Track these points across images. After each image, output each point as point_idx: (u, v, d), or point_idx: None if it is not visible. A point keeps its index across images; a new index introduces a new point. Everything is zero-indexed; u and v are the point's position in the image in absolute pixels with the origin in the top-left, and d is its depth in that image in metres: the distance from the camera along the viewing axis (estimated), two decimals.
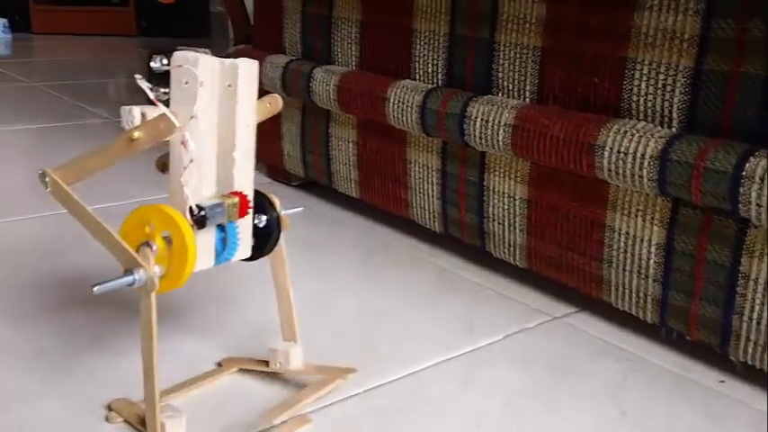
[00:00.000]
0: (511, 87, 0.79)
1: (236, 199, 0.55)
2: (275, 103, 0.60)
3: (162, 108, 0.52)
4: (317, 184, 1.14)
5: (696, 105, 0.63)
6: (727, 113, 0.61)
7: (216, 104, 0.54)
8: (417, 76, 0.89)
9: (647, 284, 0.70)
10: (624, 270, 0.72)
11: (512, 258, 0.84)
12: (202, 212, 0.52)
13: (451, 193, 0.88)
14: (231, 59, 0.55)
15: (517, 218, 0.81)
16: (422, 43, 0.88)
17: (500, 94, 0.80)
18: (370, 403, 0.61)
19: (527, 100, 0.77)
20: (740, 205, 0.58)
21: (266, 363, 0.64)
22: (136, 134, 0.52)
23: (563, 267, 0.78)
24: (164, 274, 0.52)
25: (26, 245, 0.91)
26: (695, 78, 0.63)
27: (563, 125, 0.71)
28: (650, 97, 0.66)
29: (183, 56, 0.52)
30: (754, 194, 0.57)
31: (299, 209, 0.65)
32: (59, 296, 0.76)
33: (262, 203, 0.60)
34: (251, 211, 0.57)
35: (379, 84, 0.91)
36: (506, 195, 0.82)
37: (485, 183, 0.84)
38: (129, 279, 0.51)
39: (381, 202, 0.99)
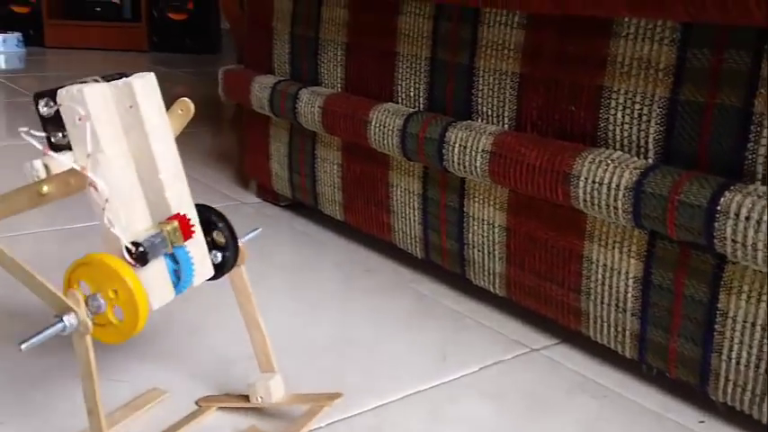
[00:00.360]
0: (490, 113, 0.77)
1: (175, 223, 0.52)
2: (186, 107, 0.56)
3: (64, 161, 0.48)
4: (305, 205, 1.12)
5: (672, 136, 0.61)
6: (703, 145, 0.59)
7: (121, 131, 0.50)
8: (400, 100, 0.88)
9: (626, 318, 0.67)
10: (602, 303, 0.69)
11: (491, 287, 0.81)
12: (141, 248, 0.48)
13: (432, 219, 0.86)
14: (125, 79, 0.52)
15: (496, 245, 0.79)
16: (404, 67, 0.86)
17: (479, 120, 0.78)
18: None
19: (505, 126, 0.75)
20: (716, 241, 0.56)
21: (246, 398, 0.61)
22: (45, 189, 0.48)
23: (541, 298, 0.75)
24: (120, 323, 0.49)
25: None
26: (671, 109, 0.61)
27: (539, 153, 0.69)
28: (626, 127, 0.64)
29: (66, 94, 0.48)
30: (729, 230, 0.55)
31: (257, 231, 0.62)
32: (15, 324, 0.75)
33: (208, 218, 0.56)
34: (196, 228, 0.54)
35: (362, 106, 0.89)
36: (486, 222, 0.80)
37: (465, 209, 0.82)
38: (58, 327, 0.47)
39: (365, 225, 0.98)
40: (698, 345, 0.62)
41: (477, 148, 0.74)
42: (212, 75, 2.78)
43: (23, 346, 0.46)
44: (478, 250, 0.81)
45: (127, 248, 0.48)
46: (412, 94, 0.86)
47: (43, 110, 0.49)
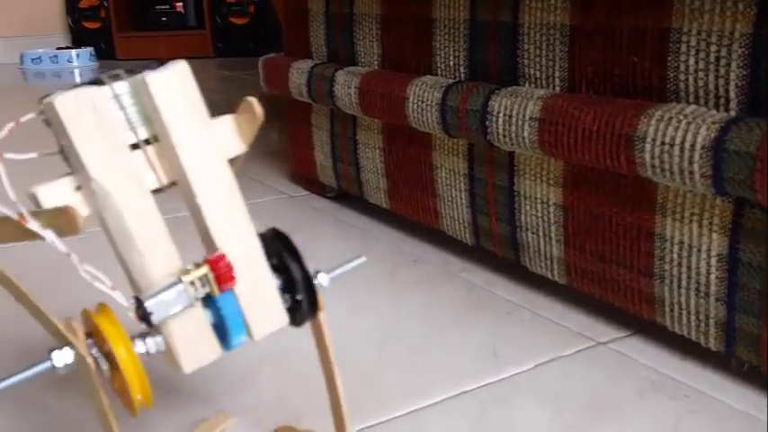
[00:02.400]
0: (538, 75, 0.66)
1: (204, 269, 0.38)
2: (249, 107, 0.42)
3: (66, 189, 0.36)
4: (352, 195, 1.04)
5: (758, 81, 0.49)
6: None
7: (121, 149, 0.37)
8: (439, 71, 0.78)
9: (708, 304, 0.56)
10: (680, 287, 0.58)
11: (549, 273, 0.71)
12: (141, 308, 0.36)
13: (481, 201, 0.76)
14: (141, 75, 0.39)
15: (552, 227, 0.68)
16: (442, 33, 0.77)
17: (526, 84, 0.68)
18: None
19: (556, 88, 0.65)
20: None
21: None
22: (34, 226, 0.36)
23: (607, 284, 0.64)
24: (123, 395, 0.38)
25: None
26: (755, 47, 0.49)
27: (596, 115, 0.58)
28: (701, 74, 0.53)
29: (45, 105, 0.36)
30: None
31: (362, 260, 0.48)
32: None
33: (279, 253, 0.42)
34: (254, 268, 0.41)
35: (399, 82, 0.80)
36: (539, 201, 0.69)
37: (515, 187, 0.71)
38: (45, 365, 0.36)
39: (411, 212, 0.88)
40: None
41: (523, 116, 0.64)
42: None
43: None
44: (533, 233, 0.71)
45: (128, 307, 0.37)
46: (451, 63, 0.76)
47: (46, 122, 0.37)
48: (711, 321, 0.56)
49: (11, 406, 0.56)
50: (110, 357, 0.36)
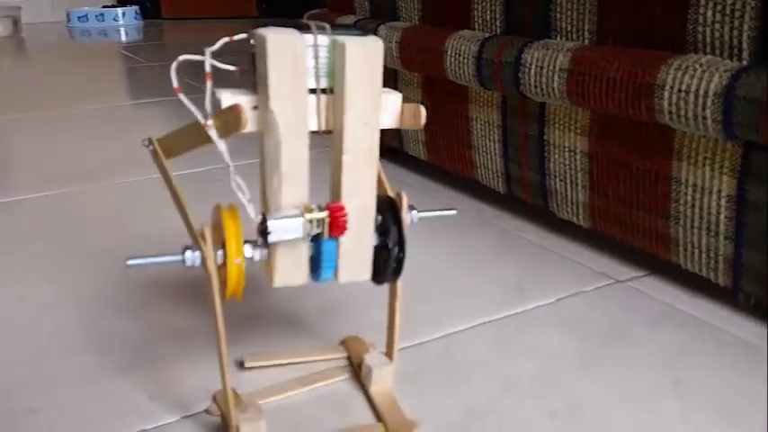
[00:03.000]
0: (569, 28, 0.71)
1: (323, 214, 0.44)
2: (419, 116, 0.48)
3: (247, 95, 0.44)
4: (392, 148, 1.11)
5: None
6: None
7: (303, 94, 0.43)
8: (477, 26, 0.84)
9: (718, 242, 0.61)
10: (693, 227, 0.63)
11: (575, 218, 0.77)
12: (264, 225, 0.43)
13: (513, 151, 0.82)
14: (343, 37, 0.43)
15: (579, 173, 0.74)
16: None
17: (558, 37, 0.73)
18: (398, 364, 0.58)
19: (586, 41, 0.70)
20: None
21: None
22: (209, 122, 0.45)
23: (628, 226, 0.70)
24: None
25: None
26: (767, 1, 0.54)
27: (620, 65, 0.63)
28: (717, 26, 0.57)
29: (256, 38, 0.43)
30: None
31: (452, 211, 0.55)
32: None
33: (386, 220, 0.48)
34: (363, 226, 0.47)
35: (438, 37, 0.86)
36: (567, 149, 0.75)
37: (545, 137, 0.77)
38: (176, 258, 0.45)
39: (448, 162, 0.95)
40: None
41: (554, 68, 0.70)
42: None
43: (130, 263, 0.44)
44: (560, 180, 0.77)
45: (257, 219, 0.45)
46: (488, 17, 0.82)
47: (251, 48, 0.44)
48: (720, 258, 0.61)
49: (129, 315, 0.65)
50: (223, 248, 0.45)
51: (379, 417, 0.51)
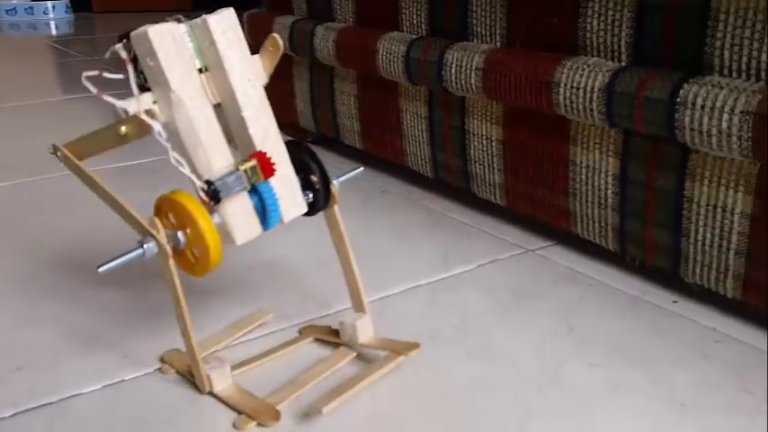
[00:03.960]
0: (483, 33, 0.82)
1: (253, 161, 0.51)
2: (275, 43, 0.54)
3: (143, 99, 0.50)
4: (329, 138, 1.20)
5: (641, 38, 0.66)
6: (668, 44, 0.64)
7: (192, 72, 0.51)
8: (405, 28, 0.94)
9: (607, 214, 0.73)
10: (587, 201, 0.75)
11: (493, 197, 0.88)
12: (212, 186, 0.49)
13: (439, 139, 0.93)
14: (202, 17, 0.51)
15: (495, 158, 0.85)
16: None
17: (474, 40, 0.84)
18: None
19: (497, 44, 0.81)
20: (677, 131, 0.62)
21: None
22: (123, 129, 0.51)
23: (536, 203, 0.82)
24: (197, 259, 0.52)
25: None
26: (639, 12, 0.66)
27: (525, 66, 0.75)
28: (601, 33, 0.69)
29: (136, 36, 0.49)
30: (687, 119, 0.60)
31: (359, 170, 0.64)
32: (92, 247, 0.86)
33: (300, 157, 0.56)
34: (284, 167, 0.54)
35: (371, 37, 0.96)
36: (485, 137, 0.86)
37: (466, 127, 0.88)
38: (138, 252, 0.50)
39: (380, 150, 1.05)
40: (669, 231, 0.68)
41: (471, 67, 0.80)
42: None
43: (101, 270, 0.49)
44: (480, 164, 0.88)
45: (201, 187, 0.50)
46: (415, 21, 0.92)
47: (122, 54, 0.50)
48: (609, 227, 0.74)
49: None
50: (187, 229, 0.51)
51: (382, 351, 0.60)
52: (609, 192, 0.72)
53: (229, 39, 0.51)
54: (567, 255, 0.80)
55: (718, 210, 0.63)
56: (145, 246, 0.51)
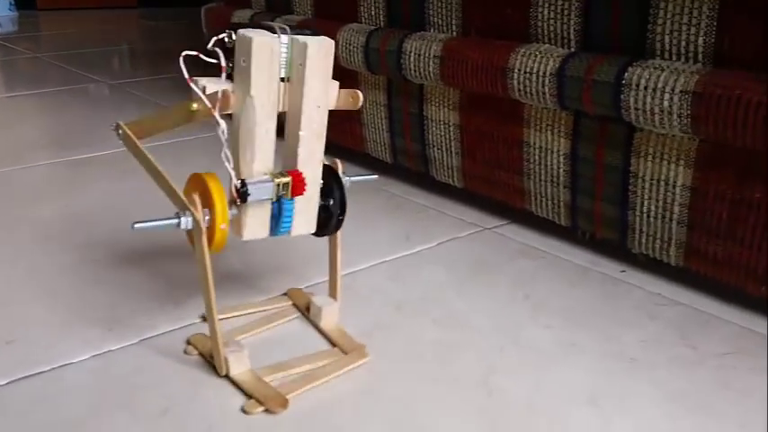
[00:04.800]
0: (440, 23, 0.86)
1: (288, 178, 0.55)
2: (356, 99, 0.60)
3: (223, 84, 0.53)
4: None
5: (589, 25, 0.71)
6: (614, 30, 0.69)
7: (274, 84, 0.54)
8: (363, 19, 0.97)
9: (560, 191, 0.78)
10: (540, 181, 0.80)
11: (451, 180, 0.92)
12: (244, 188, 0.54)
13: (398, 126, 0.97)
14: (304, 37, 0.55)
15: (452, 142, 0.89)
16: None
17: (432, 30, 0.88)
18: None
19: (454, 33, 0.85)
20: (623, 111, 0.66)
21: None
22: (194, 106, 0.53)
23: (492, 184, 0.86)
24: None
25: (36, 187, 1.01)
26: (587, 1, 0.70)
27: (481, 53, 0.79)
28: (551, 22, 0.74)
29: (240, 37, 0.52)
30: (632, 100, 0.65)
31: (373, 176, 0.68)
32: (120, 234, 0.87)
33: (330, 185, 0.61)
34: (312, 189, 0.58)
35: (330, 29, 0.99)
36: (442, 123, 0.90)
37: (424, 113, 0.92)
38: (173, 221, 0.54)
39: (342, 139, 1.08)
40: (617, 205, 0.73)
41: (429, 55, 0.84)
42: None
43: (136, 226, 0.53)
44: (438, 149, 0.92)
45: (235, 184, 0.54)
46: (373, 12, 0.95)
47: (228, 40, 0.53)
48: (562, 204, 0.78)
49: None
50: (208, 204, 0.54)
51: (333, 344, 0.62)
52: (561, 170, 0.77)
53: (318, 66, 0.55)
54: (521, 232, 0.85)
55: (662, 183, 0.68)
56: (182, 218, 0.54)
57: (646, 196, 0.70)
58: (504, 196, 0.85)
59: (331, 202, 0.61)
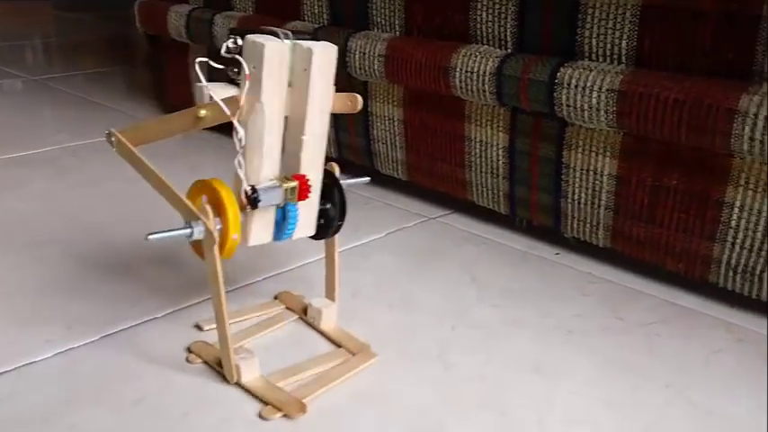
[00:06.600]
0: (383, 23, 0.93)
1: (295, 183, 0.57)
2: (355, 102, 0.63)
3: (232, 90, 0.54)
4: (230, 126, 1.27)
5: (524, 28, 0.79)
6: (546, 33, 0.78)
7: (283, 89, 0.56)
8: (306, 17, 1.03)
9: (499, 182, 0.87)
10: (481, 172, 0.88)
11: (395, 173, 0.99)
12: (255, 194, 0.55)
13: (342, 122, 1.03)
14: (308, 42, 0.56)
15: (397, 137, 0.97)
16: None
17: (375, 29, 0.94)
18: (267, 288, 0.76)
19: (397, 33, 0.92)
20: (556, 107, 0.75)
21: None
22: (202, 113, 0.54)
23: (436, 176, 0.94)
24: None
25: None
26: (522, 6, 0.79)
27: (424, 53, 0.86)
28: (490, 24, 0.82)
29: (251, 42, 0.54)
30: (564, 97, 0.74)
31: (366, 179, 0.71)
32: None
33: (331, 189, 0.63)
34: (314, 193, 0.60)
35: (272, 26, 1.04)
36: (387, 118, 0.97)
37: (369, 108, 0.99)
38: (186, 231, 0.55)
39: None
40: (551, 194, 0.82)
41: (374, 53, 0.91)
42: (119, 17, 2.82)
43: (150, 237, 0.54)
44: (383, 143, 0.99)
45: (245, 190, 0.56)
46: (316, 11, 1.01)
47: (230, 44, 0.54)
48: (501, 194, 0.87)
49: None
50: (219, 212, 0.56)
51: (337, 345, 0.65)
52: (500, 163, 0.85)
53: (322, 72, 0.57)
54: (464, 221, 0.93)
55: (591, 173, 0.77)
56: (194, 227, 0.56)
57: (577, 185, 0.79)
58: (447, 188, 0.93)
59: (329, 206, 0.63)
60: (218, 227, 0.56)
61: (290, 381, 0.60)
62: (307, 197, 0.58)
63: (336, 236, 0.67)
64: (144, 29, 1.33)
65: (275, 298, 0.74)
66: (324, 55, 0.56)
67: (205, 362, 0.62)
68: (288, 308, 0.72)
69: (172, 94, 1.36)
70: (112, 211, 0.92)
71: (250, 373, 0.59)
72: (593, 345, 0.66)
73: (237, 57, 0.55)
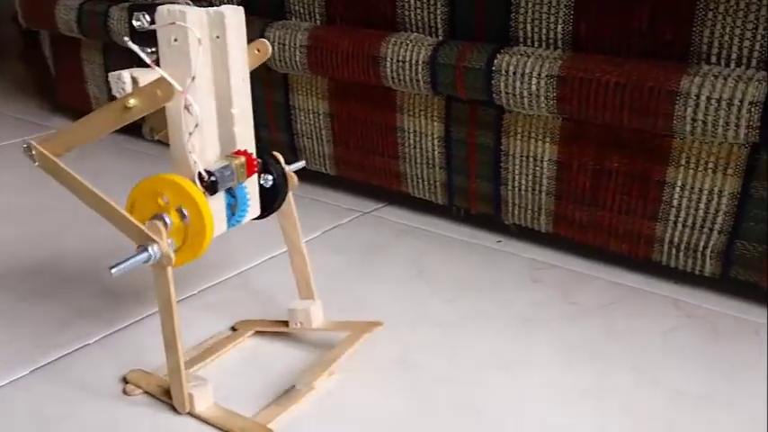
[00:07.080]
0: (302, 11, 0.90)
1: (243, 158, 0.53)
2: (264, 48, 0.56)
3: (158, 71, 0.48)
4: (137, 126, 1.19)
5: (455, 15, 0.78)
6: (479, 19, 0.77)
7: (209, 59, 0.51)
8: (215, 3, 0.97)
9: (435, 172, 0.86)
10: (416, 163, 0.87)
11: (323, 168, 0.96)
12: (213, 178, 0.50)
13: (262, 115, 0.99)
14: (215, 8, 0.51)
15: (323, 131, 0.93)
16: None
17: (293, 18, 0.91)
18: (206, 300, 0.71)
19: (317, 22, 0.89)
20: (494, 95, 0.75)
21: (285, 323, 0.65)
22: (131, 102, 0.49)
23: (367, 169, 0.92)
24: (180, 248, 0.51)
25: None
26: None
27: (350, 42, 0.83)
28: (419, 11, 0.80)
29: (167, 13, 0.48)
30: (502, 84, 0.73)
31: (302, 163, 0.66)
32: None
33: (263, 159, 0.58)
34: (257, 169, 0.56)
35: None
36: (311, 112, 0.94)
37: (290, 102, 0.95)
38: (144, 256, 0.50)
39: None
40: (490, 182, 0.81)
41: (295, 44, 0.87)
42: None
43: (114, 271, 0.49)
44: (308, 138, 0.96)
45: (200, 175, 0.50)
46: (226, 0, 0.96)
47: (138, 23, 0.48)
48: (438, 184, 0.86)
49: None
50: (185, 209, 0.51)
51: (344, 332, 0.63)
52: (436, 152, 0.84)
53: (238, 35, 0.52)
54: (399, 213, 0.91)
55: (531, 159, 0.78)
56: (150, 250, 0.51)
57: (517, 172, 0.79)
58: (380, 180, 0.91)
59: (270, 177, 0.59)
60: (171, 242, 0.52)
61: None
62: (254, 172, 0.55)
63: (299, 229, 0.65)
64: (28, 25, 1.22)
65: (233, 329, 0.67)
66: (235, 17, 0.52)
67: (146, 392, 0.57)
68: (257, 332, 0.66)
69: (63, 92, 1.26)
70: (17, 228, 0.84)
71: (204, 402, 0.55)
72: (553, 332, 0.66)
73: (154, 29, 0.48)
